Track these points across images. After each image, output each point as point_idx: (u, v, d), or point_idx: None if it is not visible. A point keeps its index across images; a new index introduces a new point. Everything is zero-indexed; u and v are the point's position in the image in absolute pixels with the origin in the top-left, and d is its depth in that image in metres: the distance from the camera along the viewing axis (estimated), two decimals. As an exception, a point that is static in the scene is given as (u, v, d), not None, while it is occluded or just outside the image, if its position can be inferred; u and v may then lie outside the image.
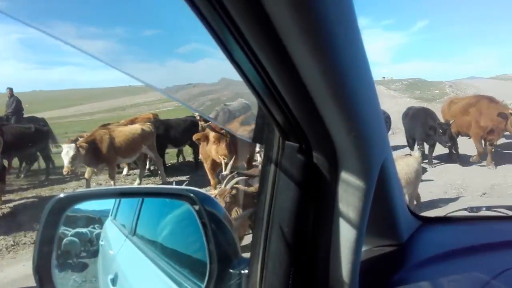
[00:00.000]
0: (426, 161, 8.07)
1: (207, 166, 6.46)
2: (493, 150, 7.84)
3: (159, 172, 8.72)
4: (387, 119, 8.57)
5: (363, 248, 0.87)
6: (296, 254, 0.70)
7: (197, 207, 0.93)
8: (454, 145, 8.03)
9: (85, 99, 48.33)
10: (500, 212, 1.30)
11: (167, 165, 9.70)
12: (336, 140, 0.65)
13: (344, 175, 0.69)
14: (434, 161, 8.51)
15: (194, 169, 9.33)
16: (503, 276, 0.89)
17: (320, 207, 0.71)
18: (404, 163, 5.02)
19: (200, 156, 7.28)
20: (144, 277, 1.44)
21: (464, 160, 8.22)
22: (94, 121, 18.28)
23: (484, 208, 1.32)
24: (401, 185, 1.23)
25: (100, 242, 1.71)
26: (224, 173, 4.66)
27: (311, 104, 0.57)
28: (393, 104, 26.12)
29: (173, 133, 9.01)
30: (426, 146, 8.19)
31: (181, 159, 10.55)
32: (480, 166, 8.13)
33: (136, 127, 8.19)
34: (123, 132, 7.90)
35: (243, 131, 0.84)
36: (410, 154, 6.52)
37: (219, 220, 0.94)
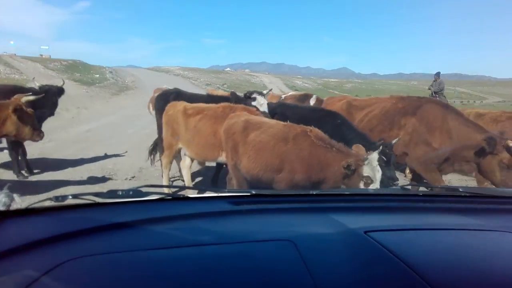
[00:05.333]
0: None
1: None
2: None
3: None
4: None
5: None
6: None
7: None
8: None
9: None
10: (88, 199, 1.30)
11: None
12: None
13: None
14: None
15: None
16: (63, 267, 0.87)
17: None
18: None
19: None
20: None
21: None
22: None
23: (71, 196, 1.29)
24: None
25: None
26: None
27: None
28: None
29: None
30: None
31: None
32: (131, 148, 8.24)
33: None
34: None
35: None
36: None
37: None
